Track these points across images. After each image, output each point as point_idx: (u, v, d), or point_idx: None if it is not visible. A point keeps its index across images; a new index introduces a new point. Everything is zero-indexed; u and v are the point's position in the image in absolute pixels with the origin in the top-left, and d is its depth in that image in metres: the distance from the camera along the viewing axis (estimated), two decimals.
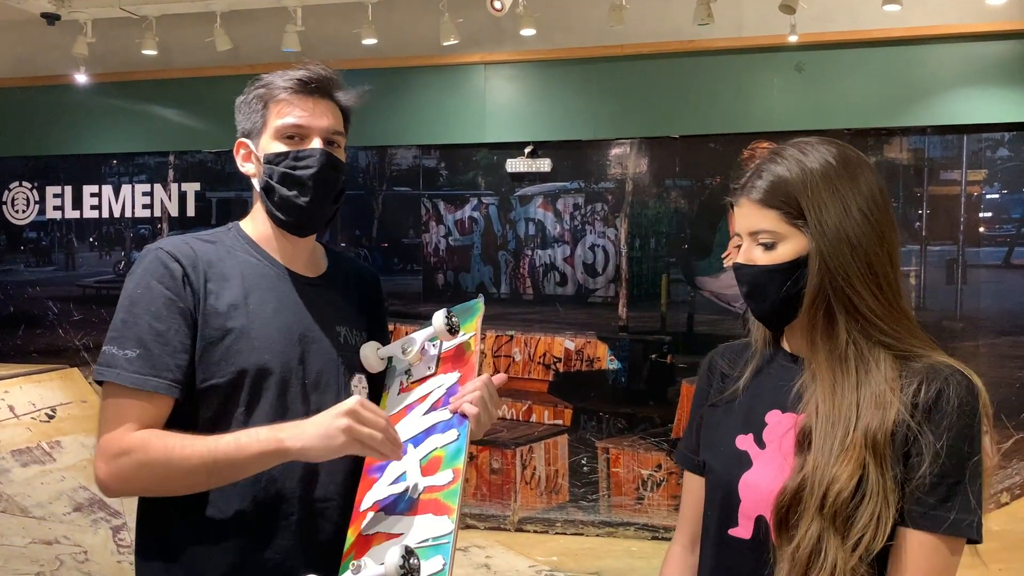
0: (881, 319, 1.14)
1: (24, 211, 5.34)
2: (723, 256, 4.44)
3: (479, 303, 1.53)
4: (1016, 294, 4.21)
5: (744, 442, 1.20)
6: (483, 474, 4.69)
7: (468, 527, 4.65)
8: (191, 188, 5.08)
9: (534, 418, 4.66)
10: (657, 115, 4.50)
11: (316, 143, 1.43)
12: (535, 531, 4.61)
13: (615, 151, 4.57)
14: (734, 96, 4.40)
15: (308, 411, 1.37)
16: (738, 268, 1.20)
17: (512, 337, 4.70)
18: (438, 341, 1.51)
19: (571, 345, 4.62)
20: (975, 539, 1.11)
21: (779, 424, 1.18)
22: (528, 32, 4.33)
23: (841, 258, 1.13)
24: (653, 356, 4.54)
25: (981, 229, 4.24)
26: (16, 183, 5.30)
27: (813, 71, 4.30)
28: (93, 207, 5.23)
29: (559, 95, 4.60)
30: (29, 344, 5.31)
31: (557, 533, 4.59)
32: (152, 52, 4.69)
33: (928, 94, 4.19)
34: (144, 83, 5.01)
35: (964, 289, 4.23)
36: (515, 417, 4.68)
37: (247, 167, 1.49)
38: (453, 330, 1.47)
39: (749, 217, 1.18)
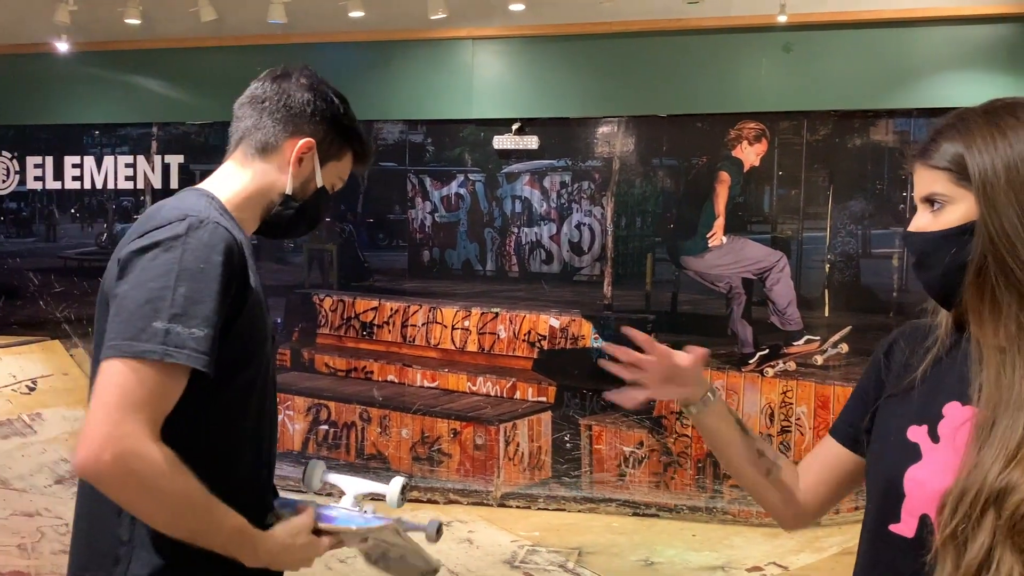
0: None
1: (4, 181, 5.27)
2: (708, 236, 4.45)
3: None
4: None
5: (916, 434, 1.10)
6: (467, 450, 4.71)
7: (451, 502, 4.68)
8: (175, 160, 5.03)
9: (518, 395, 4.68)
10: (645, 93, 4.48)
11: None
12: (517, 507, 4.64)
13: (603, 129, 4.56)
14: (722, 76, 4.39)
15: (273, 381, 1.47)
16: (906, 236, 1.12)
17: (497, 314, 4.70)
18: (370, 508, 1.43)
19: (556, 323, 4.63)
20: None
21: (956, 417, 1.07)
22: (517, 7, 4.29)
23: (1007, 223, 1.00)
24: None
25: None
26: None
27: (801, 52, 4.29)
28: (75, 178, 5.17)
29: (547, 72, 4.58)
30: (9, 316, 5.27)
31: (539, 509, 4.62)
32: (135, 21, 4.61)
33: (915, 77, 4.20)
34: (127, 53, 4.95)
35: None
36: (499, 394, 4.70)
37: (295, 166, 1.46)
38: (402, 502, 1.43)
39: (921, 181, 1.09)
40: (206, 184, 1.45)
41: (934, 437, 1.08)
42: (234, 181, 1.46)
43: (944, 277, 1.06)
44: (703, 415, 1.28)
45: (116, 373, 1.18)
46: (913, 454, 1.09)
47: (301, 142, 1.45)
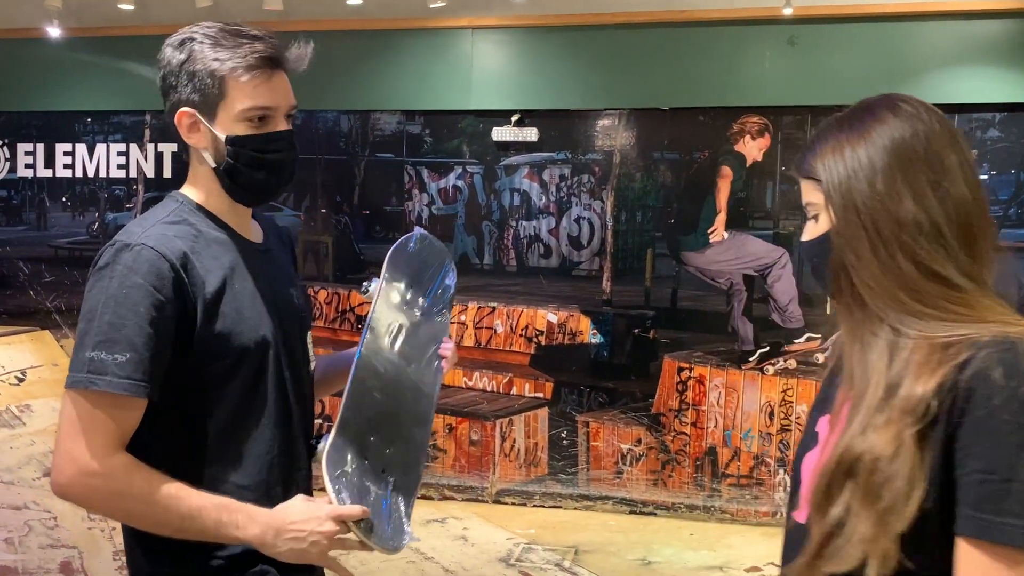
0: (884, 292, 1.02)
1: None
2: (709, 231, 4.40)
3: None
4: (1003, 276, 4.20)
5: (821, 423, 1.13)
6: (462, 446, 4.65)
7: (446, 498, 4.62)
8: (168, 149, 4.95)
9: (515, 390, 4.63)
10: (647, 86, 4.42)
11: (282, 124, 1.40)
12: (513, 503, 4.59)
13: (603, 122, 4.50)
14: (725, 69, 4.32)
15: (288, 380, 1.43)
16: (800, 245, 1.16)
17: (494, 309, 4.64)
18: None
19: (554, 318, 4.58)
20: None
21: (843, 403, 1.09)
22: None
23: (849, 223, 1.03)
24: (636, 331, 4.50)
25: None
26: None
27: (805, 45, 4.23)
28: (66, 166, 5.09)
29: (547, 63, 4.51)
30: None
31: (535, 506, 4.57)
32: (129, 7, 4.53)
33: (920, 72, 4.14)
34: (120, 39, 4.86)
35: None
36: (496, 389, 4.64)
37: (194, 138, 1.40)
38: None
39: (802, 191, 1.11)
40: (186, 184, 1.46)
41: (833, 424, 1.12)
42: (192, 175, 1.45)
43: (822, 280, 1.13)
44: None
45: (64, 405, 1.28)
46: (813, 442, 1.13)
47: (177, 115, 1.39)
